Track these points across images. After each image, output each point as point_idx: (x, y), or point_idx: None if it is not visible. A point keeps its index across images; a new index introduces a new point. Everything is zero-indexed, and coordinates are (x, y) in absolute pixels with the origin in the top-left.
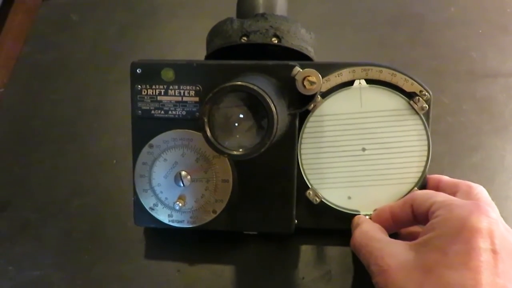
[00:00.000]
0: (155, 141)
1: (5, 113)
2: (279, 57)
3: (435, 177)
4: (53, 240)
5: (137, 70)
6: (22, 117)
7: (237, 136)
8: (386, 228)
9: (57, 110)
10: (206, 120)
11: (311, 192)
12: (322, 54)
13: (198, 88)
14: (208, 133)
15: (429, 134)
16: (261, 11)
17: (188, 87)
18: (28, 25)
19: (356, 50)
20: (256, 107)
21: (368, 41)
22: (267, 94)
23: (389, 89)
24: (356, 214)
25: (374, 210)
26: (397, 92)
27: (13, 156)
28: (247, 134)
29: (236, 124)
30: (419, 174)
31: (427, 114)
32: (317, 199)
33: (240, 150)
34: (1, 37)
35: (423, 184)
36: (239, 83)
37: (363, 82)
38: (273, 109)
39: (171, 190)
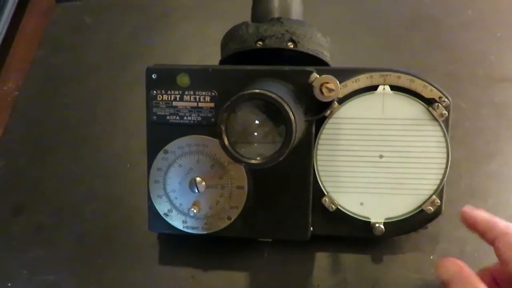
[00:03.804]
0: (170, 146)
1: (19, 115)
2: (295, 61)
3: (469, 214)
4: (67, 244)
5: (153, 76)
6: (36, 120)
7: (255, 144)
8: None
9: (71, 113)
10: (223, 128)
11: (327, 199)
12: (336, 58)
13: (213, 93)
14: (226, 142)
15: (449, 141)
16: (276, 15)
17: (203, 93)
18: (42, 28)
19: (371, 54)
20: (274, 114)
21: (383, 45)
22: (285, 102)
23: (409, 95)
24: (367, 221)
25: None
26: (416, 99)
27: (27, 160)
28: (264, 142)
29: (254, 133)
30: (437, 182)
31: (446, 121)
32: (333, 206)
33: (258, 158)
34: (16, 40)
35: (440, 193)
36: (258, 90)
37: (387, 88)
38: (292, 117)
39: (186, 196)
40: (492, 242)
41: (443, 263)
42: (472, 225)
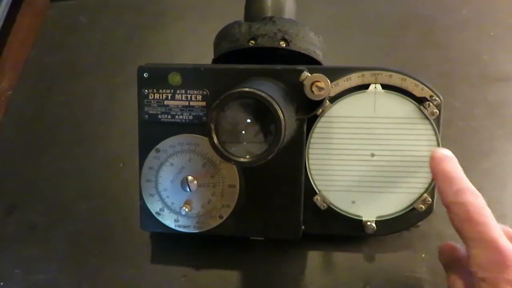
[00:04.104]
0: (161, 145)
1: (13, 115)
2: (287, 60)
3: (435, 164)
4: (60, 243)
5: (144, 74)
6: (30, 119)
7: (244, 143)
8: None
9: (65, 112)
10: (212, 126)
11: (318, 198)
12: (330, 57)
13: (205, 92)
14: (215, 140)
15: (440, 140)
16: (269, 14)
17: (195, 92)
18: (36, 27)
19: (365, 53)
20: (264, 113)
21: (377, 44)
22: (275, 101)
23: (401, 94)
24: (359, 219)
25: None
26: (408, 97)
27: (21, 159)
28: (254, 141)
29: (243, 132)
30: (429, 181)
31: (437, 120)
32: (325, 205)
33: (247, 157)
34: (10, 39)
35: (432, 191)
36: (247, 89)
37: (378, 86)
38: (281, 116)
39: (178, 195)
40: (446, 208)
41: (440, 250)
42: (434, 177)
